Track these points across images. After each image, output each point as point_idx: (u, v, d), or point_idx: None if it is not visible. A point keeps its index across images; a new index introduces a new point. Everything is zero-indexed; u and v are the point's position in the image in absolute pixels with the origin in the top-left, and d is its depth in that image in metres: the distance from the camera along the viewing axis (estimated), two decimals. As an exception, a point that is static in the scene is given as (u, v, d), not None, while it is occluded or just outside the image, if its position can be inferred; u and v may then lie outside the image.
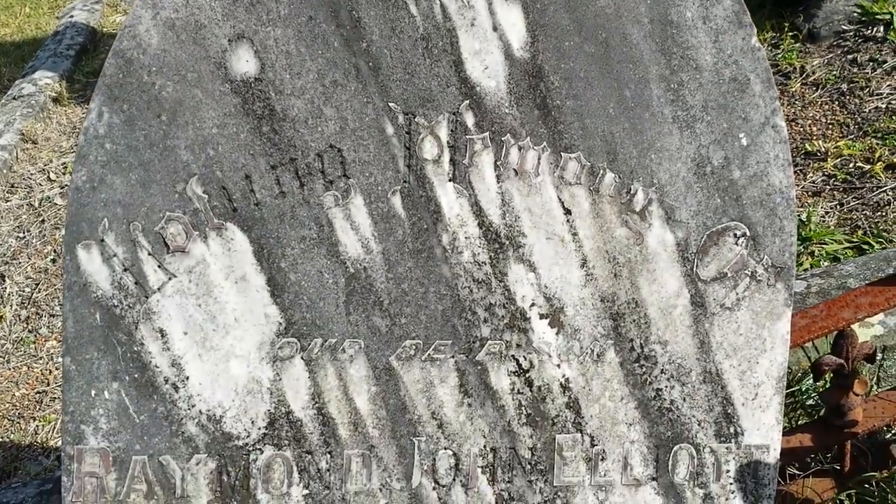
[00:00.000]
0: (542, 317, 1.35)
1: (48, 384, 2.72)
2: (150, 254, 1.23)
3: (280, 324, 1.28)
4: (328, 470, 1.32)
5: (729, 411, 1.42)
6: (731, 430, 1.42)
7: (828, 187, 2.83)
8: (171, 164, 1.22)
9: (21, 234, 3.53)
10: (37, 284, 3.20)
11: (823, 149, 3.01)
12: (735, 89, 1.35)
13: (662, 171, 1.34)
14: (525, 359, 1.35)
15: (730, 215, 1.37)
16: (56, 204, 3.70)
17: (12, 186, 3.90)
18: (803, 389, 1.95)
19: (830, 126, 3.15)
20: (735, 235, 1.38)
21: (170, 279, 1.24)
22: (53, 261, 3.32)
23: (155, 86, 1.20)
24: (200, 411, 1.27)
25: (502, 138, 1.29)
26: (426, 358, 1.33)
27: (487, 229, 1.32)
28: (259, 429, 1.29)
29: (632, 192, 1.34)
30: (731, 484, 1.43)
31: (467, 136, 1.28)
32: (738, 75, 1.35)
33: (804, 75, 3.45)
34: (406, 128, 1.27)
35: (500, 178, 1.31)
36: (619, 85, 1.31)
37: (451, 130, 1.28)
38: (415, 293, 1.31)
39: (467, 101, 1.28)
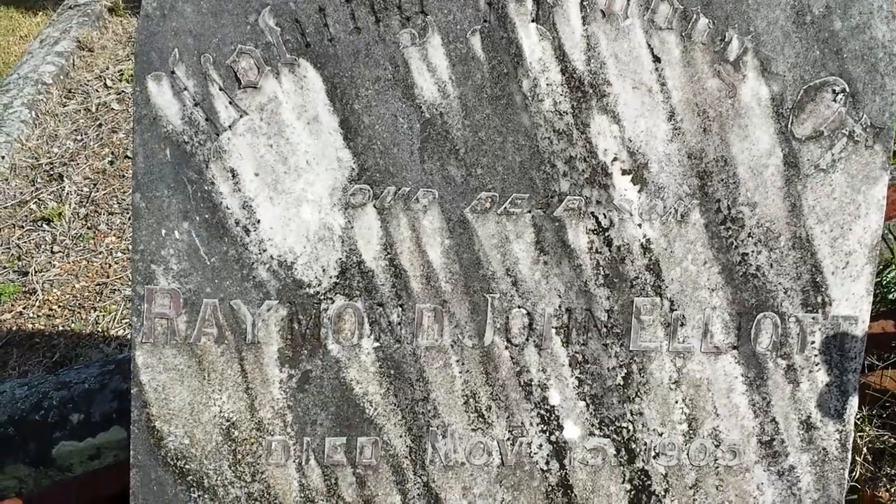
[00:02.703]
0: (624, 172, 1.29)
1: (108, 276, 2.74)
2: (221, 88, 1.19)
3: (352, 169, 1.24)
4: (399, 323, 1.28)
5: (817, 280, 1.35)
6: (819, 299, 1.36)
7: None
8: (243, -6, 1.16)
9: (79, 137, 3.53)
10: (95, 184, 3.21)
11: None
12: (841, -68, 1.25)
13: (760, 17, 1.25)
14: (605, 216, 1.30)
15: (829, 69, 1.29)
16: (112, 109, 3.70)
17: (69, 92, 3.90)
18: (885, 282, 1.87)
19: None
20: (834, 91, 1.29)
21: (241, 117, 1.20)
22: (111, 162, 3.33)
23: None
24: (271, 256, 1.24)
25: (590, -24, 1.22)
26: (502, 211, 1.27)
27: (570, 76, 1.25)
28: (330, 277, 1.26)
29: (726, 39, 1.25)
30: (815, 356, 1.37)
31: (553, -26, 1.21)
32: (845, -83, 1.24)
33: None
34: (488, -38, 1.20)
35: (586, 20, 1.23)
36: (717, -79, 1.22)
37: (536, -34, 1.21)
38: (492, 142, 1.25)
39: (554, -65, 1.20)
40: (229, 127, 1.20)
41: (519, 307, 1.30)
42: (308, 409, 1.29)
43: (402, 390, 1.30)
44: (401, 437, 1.31)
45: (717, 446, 1.37)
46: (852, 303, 1.36)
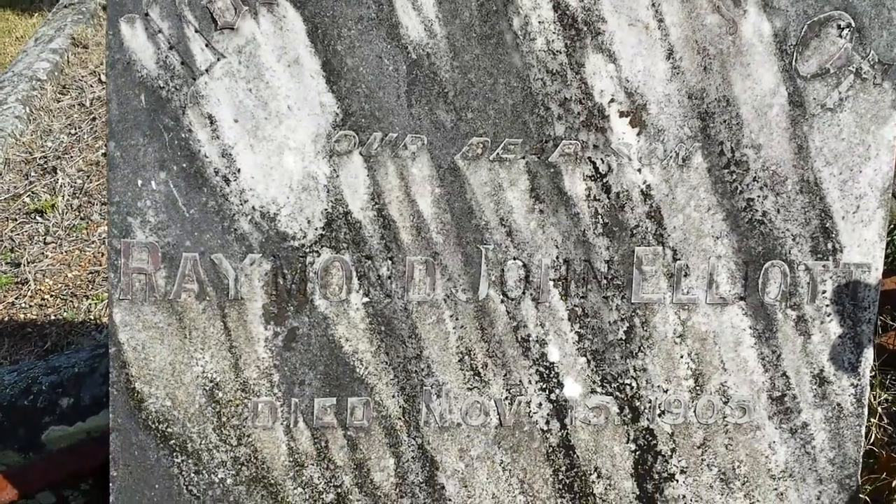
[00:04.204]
0: (622, 114, 1.23)
1: (100, 265, 2.68)
2: (196, 30, 1.13)
3: (336, 114, 1.18)
4: (389, 277, 1.23)
5: (827, 225, 1.29)
6: (829, 246, 1.29)
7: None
8: (218, -71, 1.11)
9: (73, 131, 3.49)
10: (88, 176, 3.17)
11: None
12: None
13: (759, -52, 1.20)
14: (602, 161, 1.24)
15: (833, 3, 1.23)
16: (106, 103, 3.66)
17: (64, 88, 3.86)
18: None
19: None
20: (839, 26, 1.24)
21: (218, 60, 1.15)
22: (105, 154, 3.28)
23: None
24: (253, 207, 1.18)
25: None
26: (494, 157, 1.22)
27: (563, 13, 1.19)
28: (316, 229, 1.20)
29: (725, -29, 1.20)
30: (826, 306, 1.30)
31: None
32: None
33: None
34: None
35: (578, -46, 1.18)
36: None
37: None
38: (482, 84, 1.20)
39: None
40: (206, 71, 1.14)
41: (514, 259, 1.25)
42: (295, 368, 1.23)
43: (393, 348, 1.24)
44: (393, 397, 1.25)
45: (725, 403, 1.31)
46: (864, 249, 1.30)
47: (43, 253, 2.79)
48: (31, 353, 2.42)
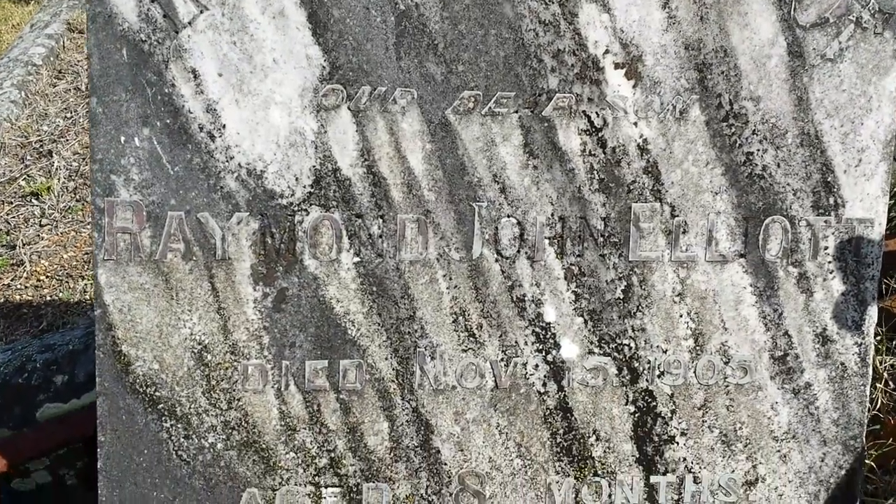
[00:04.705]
0: (617, 66, 1.20)
1: (96, 246, 2.66)
2: (178, -19, 1.10)
3: (323, 67, 1.15)
4: (380, 236, 1.20)
5: (828, 179, 1.26)
6: (831, 200, 1.26)
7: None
8: None
9: (68, 115, 3.46)
10: (84, 159, 3.14)
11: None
12: None
13: None
14: (598, 115, 1.21)
15: (834, -51, 1.20)
16: (102, 86, 3.63)
17: (59, 73, 3.83)
18: (901, 205, 1.77)
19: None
20: (840, -27, 1.20)
21: (201, 12, 1.11)
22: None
23: None
24: (239, 164, 1.15)
25: None
26: (487, 112, 1.19)
27: (555, -39, 1.16)
28: (304, 187, 1.17)
29: (721, -84, 1.17)
30: (829, 262, 1.27)
31: None
32: None
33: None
34: None
35: None
36: None
37: None
38: (473, 36, 1.17)
39: None
40: (189, 23, 1.11)
41: (508, 216, 1.22)
42: (285, 330, 1.20)
43: (385, 309, 1.22)
44: (386, 359, 1.23)
45: (726, 363, 1.28)
46: (867, 204, 1.27)
47: (38, 235, 2.77)
48: (26, 333, 2.39)
